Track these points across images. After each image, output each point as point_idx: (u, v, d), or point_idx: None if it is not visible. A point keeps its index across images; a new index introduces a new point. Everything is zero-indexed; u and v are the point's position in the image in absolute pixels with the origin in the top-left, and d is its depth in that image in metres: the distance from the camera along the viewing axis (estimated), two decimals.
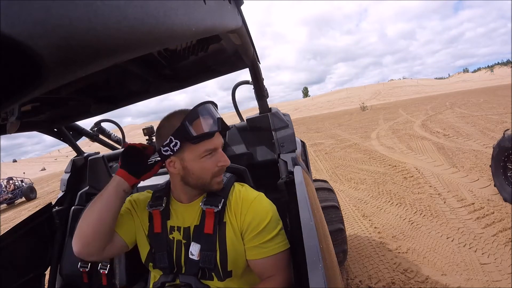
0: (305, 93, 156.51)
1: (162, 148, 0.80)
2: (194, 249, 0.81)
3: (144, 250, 0.89)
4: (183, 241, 0.84)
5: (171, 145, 0.79)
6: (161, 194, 0.90)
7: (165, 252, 0.84)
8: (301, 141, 1.69)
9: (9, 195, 10.68)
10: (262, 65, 1.31)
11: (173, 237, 0.85)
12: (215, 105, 0.85)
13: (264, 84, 1.39)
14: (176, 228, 0.86)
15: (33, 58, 0.17)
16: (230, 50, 1.06)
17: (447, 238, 2.35)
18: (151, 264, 0.87)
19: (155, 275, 0.89)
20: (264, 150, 1.34)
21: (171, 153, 0.80)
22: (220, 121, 0.81)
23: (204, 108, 0.80)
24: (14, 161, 48.39)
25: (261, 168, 1.31)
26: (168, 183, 0.94)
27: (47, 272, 1.42)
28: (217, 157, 0.82)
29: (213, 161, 0.81)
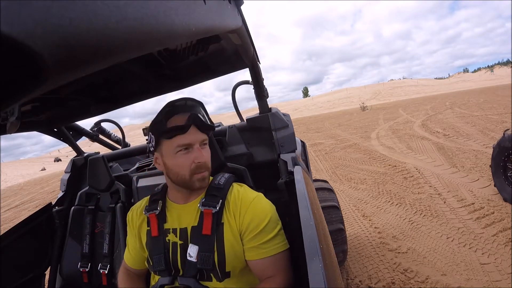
0: (305, 93, 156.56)
1: (148, 145, 0.83)
2: (192, 251, 0.80)
3: (146, 254, 0.90)
4: (179, 242, 0.84)
5: (151, 141, 0.81)
6: (157, 198, 0.91)
7: (162, 255, 0.84)
8: (301, 141, 1.69)
9: None
10: None
11: (169, 240, 0.85)
12: (197, 102, 0.84)
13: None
14: (171, 231, 0.86)
15: (33, 58, 0.17)
16: (230, 50, 1.06)
17: (447, 238, 2.35)
18: (151, 266, 0.88)
19: (155, 277, 0.90)
20: (264, 150, 1.34)
21: (153, 149, 0.82)
22: (192, 116, 0.80)
23: (179, 103, 0.80)
24: (58, 160, 41.63)
25: (261, 168, 1.31)
26: (164, 186, 0.95)
27: (47, 272, 1.42)
28: (193, 153, 0.80)
29: (189, 157, 0.80)
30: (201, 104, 0.85)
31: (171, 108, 0.79)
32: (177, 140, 0.78)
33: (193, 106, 0.82)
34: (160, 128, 0.77)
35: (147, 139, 1.63)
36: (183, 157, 0.80)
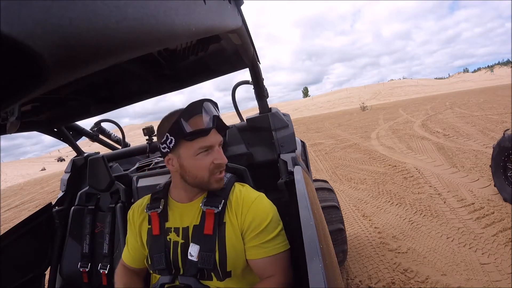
0: (305, 93, 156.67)
1: (161, 145, 0.81)
2: (193, 250, 0.80)
3: (146, 253, 0.90)
4: (181, 241, 0.84)
5: (167, 142, 0.79)
6: (159, 196, 0.91)
7: (163, 254, 0.84)
8: (301, 141, 1.69)
9: None
10: None
11: (170, 239, 0.85)
12: (214, 103, 0.84)
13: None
14: (173, 230, 0.86)
15: (33, 58, 0.17)
16: (230, 50, 1.06)
17: (447, 238, 2.35)
18: (151, 265, 0.87)
19: (155, 276, 0.90)
20: (264, 150, 1.34)
21: (168, 150, 0.80)
22: (215, 118, 0.80)
23: (200, 105, 0.79)
24: (62, 159, 40.61)
25: (261, 168, 1.31)
26: (166, 185, 0.95)
27: (47, 272, 1.42)
28: (213, 154, 0.80)
29: (209, 158, 0.80)
30: (216, 105, 0.85)
31: (190, 109, 0.78)
32: (199, 143, 0.78)
33: (211, 108, 0.82)
34: (181, 130, 0.76)
35: (147, 139, 1.63)
36: (203, 159, 0.79)
